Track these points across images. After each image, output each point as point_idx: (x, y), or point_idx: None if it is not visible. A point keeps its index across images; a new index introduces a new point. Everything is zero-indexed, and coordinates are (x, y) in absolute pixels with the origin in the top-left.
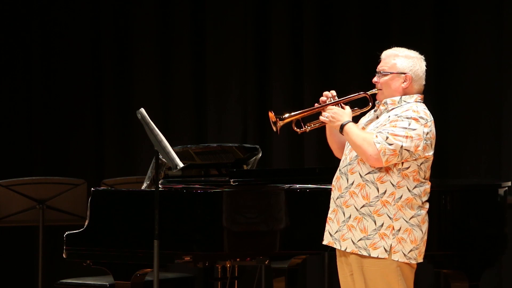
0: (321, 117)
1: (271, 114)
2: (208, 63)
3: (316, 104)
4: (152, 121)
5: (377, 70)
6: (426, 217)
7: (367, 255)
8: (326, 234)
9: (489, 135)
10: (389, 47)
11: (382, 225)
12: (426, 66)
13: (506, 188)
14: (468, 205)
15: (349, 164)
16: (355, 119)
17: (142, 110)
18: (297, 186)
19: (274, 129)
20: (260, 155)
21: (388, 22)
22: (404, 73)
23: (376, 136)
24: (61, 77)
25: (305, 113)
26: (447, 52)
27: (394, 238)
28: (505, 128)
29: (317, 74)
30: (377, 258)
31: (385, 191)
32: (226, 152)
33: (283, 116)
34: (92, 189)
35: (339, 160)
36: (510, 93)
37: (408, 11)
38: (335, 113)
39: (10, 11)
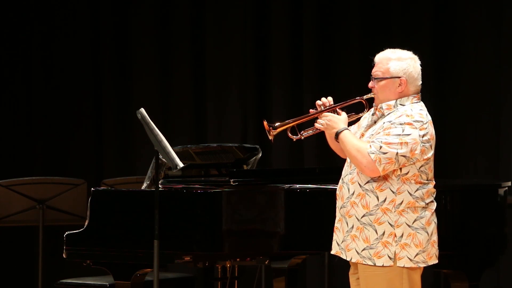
0: (316, 124)
1: (265, 123)
2: (208, 63)
3: (311, 111)
4: (152, 121)
5: (371, 74)
6: (433, 218)
7: (372, 264)
8: (334, 244)
9: (489, 135)
10: (389, 47)
11: (383, 234)
12: (426, 66)
13: (506, 188)
14: (468, 205)
15: (350, 174)
16: (352, 124)
17: (142, 110)
18: (297, 186)
19: (269, 137)
20: (260, 155)
21: (388, 22)
22: (399, 77)
23: (370, 146)
24: (61, 77)
25: (299, 121)
26: (446, 52)
27: (397, 245)
28: (505, 127)
29: (317, 73)
30: (383, 266)
31: (385, 199)
32: (226, 152)
33: (275, 125)
34: (92, 189)
35: (339, 160)
36: (510, 92)
37: (408, 11)
38: (330, 120)
39: (10, 11)
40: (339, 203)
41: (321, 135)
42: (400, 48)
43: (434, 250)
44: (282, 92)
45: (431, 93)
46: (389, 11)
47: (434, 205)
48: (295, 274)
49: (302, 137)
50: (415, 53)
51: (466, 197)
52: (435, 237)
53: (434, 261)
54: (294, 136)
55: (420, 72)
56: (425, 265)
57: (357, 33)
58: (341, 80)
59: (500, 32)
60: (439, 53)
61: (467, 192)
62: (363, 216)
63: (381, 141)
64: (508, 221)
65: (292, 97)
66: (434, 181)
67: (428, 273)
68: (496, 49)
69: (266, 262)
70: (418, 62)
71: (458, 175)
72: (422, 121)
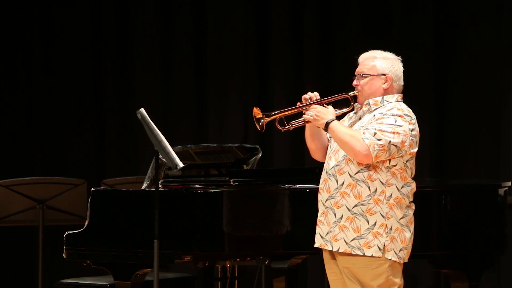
0: (304, 116)
1: (257, 111)
2: (209, 63)
3: (298, 103)
4: (153, 121)
5: (355, 73)
6: (413, 218)
7: (361, 254)
8: (317, 237)
9: (489, 135)
10: (390, 48)
11: (375, 224)
12: (427, 67)
13: (506, 188)
14: (468, 205)
15: (337, 165)
16: (337, 119)
17: (142, 110)
18: (297, 186)
19: (258, 127)
20: (260, 155)
21: (388, 22)
22: (384, 74)
23: (364, 132)
24: (62, 77)
25: (289, 112)
26: (447, 54)
27: (387, 236)
28: (505, 128)
29: (317, 74)
30: (371, 257)
31: (376, 189)
32: (226, 152)
33: (270, 113)
34: (92, 189)
35: None
36: (510, 93)
37: (408, 12)
38: (319, 112)
39: (11, 11)
40: (323, 196)
41: None
42: (400, 50)
43: (410, 250)
44: (283, 93)
45: (432, 93)
46: (390, 11)
47: (414, 206)
48: (295, 274)
49: (291, 128)
50: (416, 55)
51: (466, 197)
52: (413, 237)
53: (407, 260)
54: (283, 127)
55: (402, 74)
56: (403, 262)
57: (357, 34)
58: (341, 81)
59: (500, 35)
60: (440, 54)
61: (467, 192)
62: (355, 206)
63: (375, 128)
64: (508, 221)
65: (293, 98)
66: (415, 182)
67: (428, 273)
68: (496, 51)
69: (266, 262)
70: (401, 64)
71: (458, 175)
72: (411, 117)
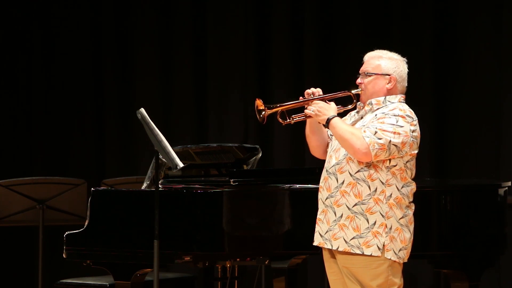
0: (306, 111)
1: (259, 102)
2: (209, 63)
3: (301, 98)
4: (153, 121)
5: (360, 71)
6: (413, 218)
7: (361, 253)
8: (316, 235)
9: (489, 135)
10: (390, 48)
11: (374, 224)
12: (427, 66)
13: (506, 188)
14: (468, 205)
15: (337, 164)
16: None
17: (142, 110)
18: (297, 186)
19: (259, 119)
20: (260, 155)
21: (388, 22)
22: (389, 75)
23: (365, 131)
24: (62, 77)
25: (291, 106)
26: (447, 53)
27: (387, 236)
28: (505, 128)
29: (317, 74)
30: (370, 256)
31: (376, 189)
32: (226, 152)
33: (272, 106)
34: (92, 189)
35: None
36: (510, 92)
37: (408, 12)
38: (321, 107)
39: (11, 11)
40: (323, 195)
41: None
42: (400, 50)
43: (410, 250)
44: (283, 93)
45: (432, 94)
46: (390, 11)
47: (413, 206)
48: (295, 274)
49: (292, 122)
50: (416, 54)
51: (466, 197)
52: (412, 237)
53: (406, 260)
54: (284, 121)
55: (407, 75)
56: (403, 262)
57: (358, 34)
58: (342, 81)
59: (501, 35)
60: (440, 54)
61: (467, 192)
62: (355, 205)
63: (376, 127)
64: (508, 221)
65: (293, 98)
66: (415, 183)
67: (428, 273)
68: (496, 51)
69: (266, 262)
70: (406, 65)
71: (458, 175)
72: (412, 118)
